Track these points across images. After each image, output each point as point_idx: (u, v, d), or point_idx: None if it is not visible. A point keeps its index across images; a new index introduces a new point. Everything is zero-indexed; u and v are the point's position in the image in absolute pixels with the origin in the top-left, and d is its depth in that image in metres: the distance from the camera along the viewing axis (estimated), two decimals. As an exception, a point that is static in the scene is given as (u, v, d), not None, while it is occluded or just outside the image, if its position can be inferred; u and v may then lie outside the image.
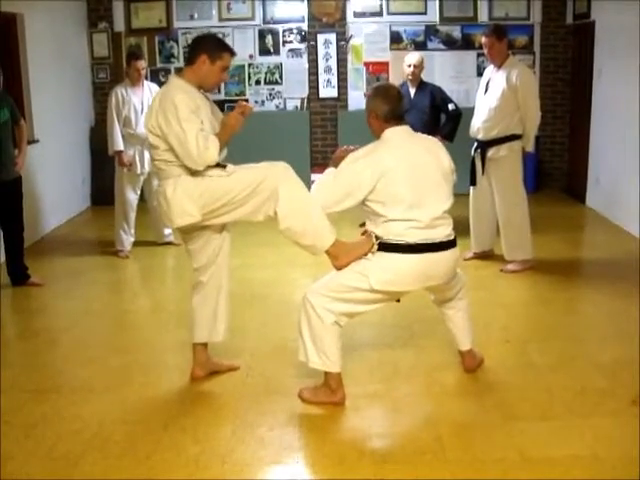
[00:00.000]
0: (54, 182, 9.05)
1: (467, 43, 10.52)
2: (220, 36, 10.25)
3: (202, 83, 4.38)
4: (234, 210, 4.26)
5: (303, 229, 4.26)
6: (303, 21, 10.53)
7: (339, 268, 4.30)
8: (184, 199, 4.22)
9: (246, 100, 10.56)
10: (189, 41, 10.36)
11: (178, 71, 4.63)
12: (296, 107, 10.76)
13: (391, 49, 10.57)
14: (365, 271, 4.21)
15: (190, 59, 4.38)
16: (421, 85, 8.00)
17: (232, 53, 4.45)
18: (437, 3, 10.38)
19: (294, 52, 10.63)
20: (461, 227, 7.71)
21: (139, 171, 7.85)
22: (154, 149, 4.34)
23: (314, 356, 4.35)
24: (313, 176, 10.03)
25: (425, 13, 10.45)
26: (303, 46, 10.60)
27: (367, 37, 10.58)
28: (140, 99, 7.81)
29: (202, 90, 4.45)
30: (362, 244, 4.26)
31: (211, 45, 4.39)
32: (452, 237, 4.37)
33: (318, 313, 4.25)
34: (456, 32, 10.52)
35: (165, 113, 4.17)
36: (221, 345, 4.95)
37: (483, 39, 6.87)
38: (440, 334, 5.48)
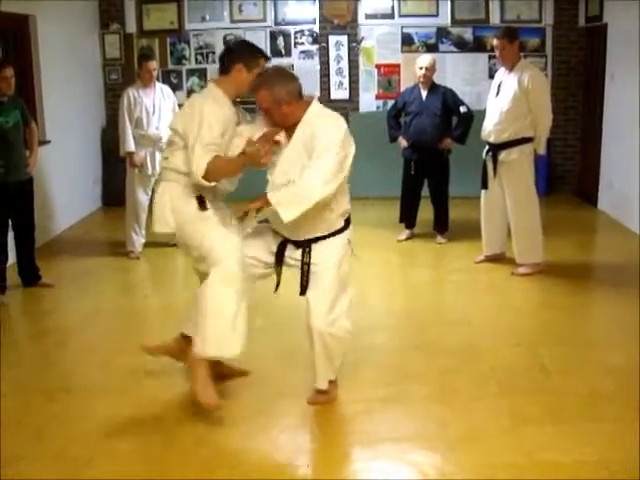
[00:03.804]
0: (65, 183, 9.06)
1: (479, 45, 10.48)
2: (232, 38, 10.42)
3: (239, 92, 4.36)
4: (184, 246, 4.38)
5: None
6: (314, 23, 10.52)
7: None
8: (167, 207, 4.27)
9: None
10: (200, 43, 10.45)
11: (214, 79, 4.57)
12: (307, 109, 10.74)
13: (402, 51, 10.54)
14: (345, 253, 4.39)
15: (225, 69, 4.35)
16: (433, 87, 7.99)
17: (267, 58, 4.47)
18: (449, 5, 10.36)
19: (305, 54, 10.63)
20: (473, 230, 7.74)
21: (150, 172, 7.86)
22: (168, 146, 4.40)
23: (330, 375, 4.46)
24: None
25: (437, 15, 10.43)
26: (314, 48, 10.59)
27: (378, 39, 10.55)
28: (152, 100, 7.83)
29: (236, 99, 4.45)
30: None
31: (246, 53, 4.37)
32: None
33: (339, 337, 4.34)
34: (468, 34, 10.49)
35: (193, 117, 4.17)
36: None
37: (495, 41, 6.85)
38: (451, 338, 5.48)
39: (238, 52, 4.39)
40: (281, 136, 4.20)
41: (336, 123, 4.22)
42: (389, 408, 4.46)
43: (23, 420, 4.35)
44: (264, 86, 4.12)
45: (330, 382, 4.49)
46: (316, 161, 4.06)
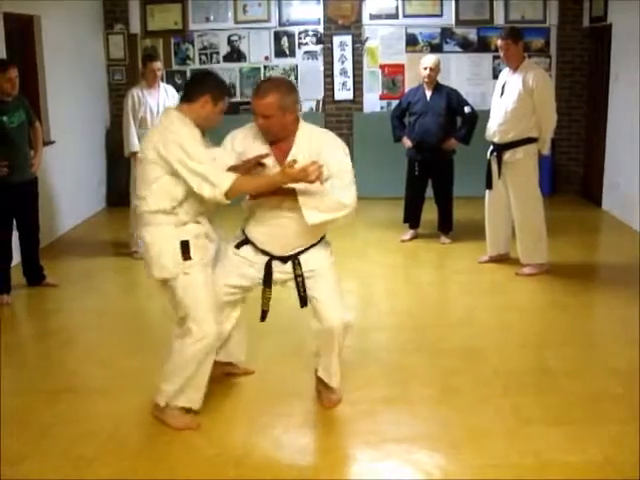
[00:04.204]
0: (70, 183, 9.07)
1: (483, 46, 10.48)
2: (236, 38, 10.43)
3: (200, 123, 4.13)
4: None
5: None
6: (319, 23, 10.52)
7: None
8: (163, 253, 4.13)
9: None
10: (205, 43, 10.45)
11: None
12: (311, 109, 10.73)
13: (407, 51, 10.53)
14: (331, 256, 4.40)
15: (190, 97, 4.14)
16: (437, 88, 7.99)
17: (230, 96, 4.39)
18: (453, 5, 10.35)
19: (310, 54, 10.63)
20: (477, 230, 7.73)
21: (155, 172, 7.86)
22: (143, 185, 4.16)
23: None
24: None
25: (441, 15, 10.42)
26: (319, 48, 10.59)
27: (383, 39, 10.55)
28: (156, 101, 7.83)
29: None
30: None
31: (215, 86, 4.20)
32: None
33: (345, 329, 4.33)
34: (472, 35, 10.48)
35: (171, 146, 3.95)
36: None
37: (499, 42, 6.85)
38: (455, 338, 5.48)
39: (207, 83, 4.19)
40: (269, 160, 4.16)
41: (340, 144, 4.26)
42: (393, 408, 4.46)
43: (28, 419, 4.36)
44: (274, 90, 4.04)
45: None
46: (338, 181, 4.06)
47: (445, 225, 8.27)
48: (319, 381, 4.53)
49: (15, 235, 6.75)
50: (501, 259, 7.34)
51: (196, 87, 4.18)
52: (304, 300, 4.31)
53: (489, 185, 7.08)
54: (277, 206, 4.15)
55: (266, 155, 4.14)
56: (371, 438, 4.11)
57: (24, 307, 6.61)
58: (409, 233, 8.34)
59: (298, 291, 4.30)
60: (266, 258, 4.30)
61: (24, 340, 5.88)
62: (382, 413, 4.39)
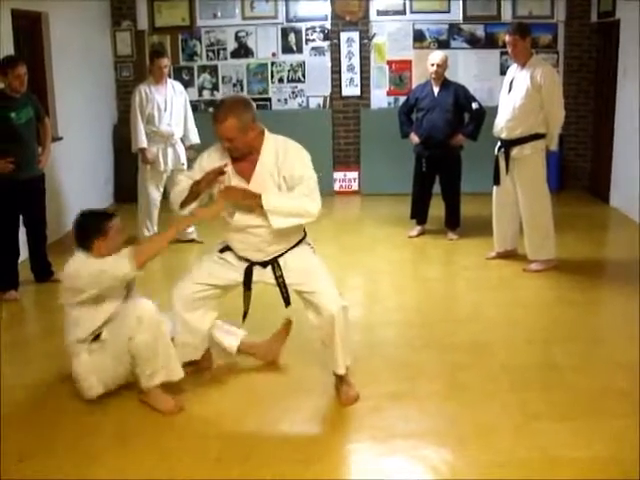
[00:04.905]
0: (77, 179, 9.08)
1: (491, 42, 10.47)
2: (243, 34, 10.44)
3: (111, 252, 4.37)
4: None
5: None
6: (326, 19, 10.52)
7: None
8: (91, 373, 4.43)
9: (267, 99, 10.63)
10: (212, 39, 10.46)
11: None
12: (319, 105, 10.75)
13: (414, 47, 10.54)
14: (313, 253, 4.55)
15: (88, 248, 4.37)
16: (445, 84, 7.98)
17: (112, 216, 4.51)
18: (461, 2, 10.35)
19: (317, 50, 10.63)
20: (484, 226, 7.73)
21: (162, 168, 7.90)
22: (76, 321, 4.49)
23: (347, 359, 4.48)
24: (335, 174, 10.01)
25: (448, 11, 10.42)
26: (326, 44, 10.59)
27: (390, 35, 10.55)
28: (164, 97, 7.85)
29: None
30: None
31: (97, 227, 4.37)
32: None
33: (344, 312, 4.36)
34: (479, 31, 10.48)
35: (93, 273, 4.27)
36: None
37: (507, 38, 6.84)
38: (462, 334, 5.48)
39: (87, 233, 4.40)
40: (228, 168, 4.26)
41: (302, 151, 4.33)
42: (400, 404, 4.45)
43: (32, 417, 4.37)
44: (230, 114, 4.10)
45: (346, 375, 4.51)
46: (303, 188, 4.21)
47: (452, 221, 8.27)
48: (336, 377, 4.54)
49: (22, 231, 6.76)
50: (508, 255, 7.33)
51: (85, 240, 4.39)
52: (287, 300, 4.48)
53: (497, 181, 7.07)
54: (249, 215, 4.27)
55: (225, 165, 4.25)
56: (378, 433, 4.11)
57: (32, 303, 6.62)
58: (416, 229, 8.34)
59: (281, 291, 4.45)
60: (247, 264, 4.44)
61: (32, 335, 5.89)
62: (389, 409, 4.39)
